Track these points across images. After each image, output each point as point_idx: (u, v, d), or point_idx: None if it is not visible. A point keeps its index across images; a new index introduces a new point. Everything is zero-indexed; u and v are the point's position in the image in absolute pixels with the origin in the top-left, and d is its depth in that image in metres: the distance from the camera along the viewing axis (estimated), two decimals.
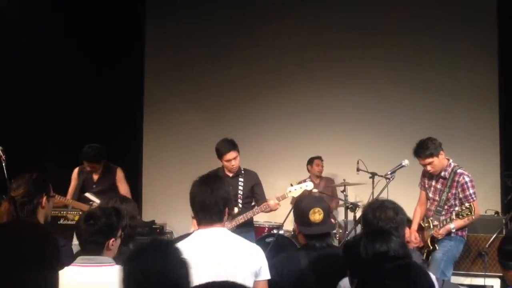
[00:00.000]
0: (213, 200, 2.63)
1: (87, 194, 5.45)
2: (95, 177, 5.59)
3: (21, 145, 4.95)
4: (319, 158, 7.30)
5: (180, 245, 2.51)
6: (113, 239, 2.66)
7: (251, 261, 2.63)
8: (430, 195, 4.89)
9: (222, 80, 8.12)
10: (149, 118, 8.44)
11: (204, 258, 2.52)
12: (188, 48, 8.21)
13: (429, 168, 4.73)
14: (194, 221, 4.86)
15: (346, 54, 7.65)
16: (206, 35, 8.13)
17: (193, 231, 2.76)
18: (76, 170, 5.67)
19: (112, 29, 7.60)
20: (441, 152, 4.70)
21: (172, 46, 8.32)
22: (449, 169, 4.73)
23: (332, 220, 3.08)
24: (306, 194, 4.99)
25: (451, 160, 4.79)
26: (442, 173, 4.76)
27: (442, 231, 4.64)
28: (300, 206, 2.97)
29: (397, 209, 2.74)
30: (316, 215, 2.85)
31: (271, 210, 5.05)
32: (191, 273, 1.92)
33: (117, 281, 2.45)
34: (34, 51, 6.55)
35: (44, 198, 3.28)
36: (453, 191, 4.69)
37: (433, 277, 2.61)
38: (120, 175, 5.61)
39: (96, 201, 5.14)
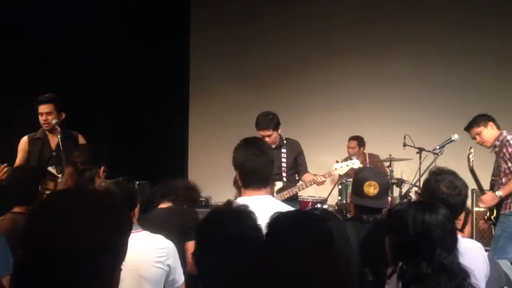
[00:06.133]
0: (262, 164, 2.59)
1: (50, 168, 4.42)
2: (53, 144, 4.63)
3: (70, 119, 5.00)
4: (352, 139, 6.98)
5: None
6: (137, 206, 2.74)
7: None
8: None
9: (266, 55, 8.08)
10: (194, 93, 8.51)
11: None
12: (233, 25, 8.20)
13: (478, 139, 4.70)
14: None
15: (392, 27, 7.46)
16: (251, 11, 8.09)
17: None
18: (25, 140, 4.70)
19: (158, 5, 7.64)
20: (489, 123, 4.65)
21: (217, 22, 8.32)
22: (501, 138, 4.64)
23: (389, 198, 3.00)
24: (367, 166, 4.91)
25: (504, 131, 4.68)
26: (495, 143, 4.69)
27: (485, 199, 4.57)
28: (358, 176, 2.90)
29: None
30: (371, 188, 2.72)
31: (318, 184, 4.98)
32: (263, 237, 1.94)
33: (145, 246, 2.59)
34: (78, 26, 6.57)
35: (102, 169, 3.40)
36: (500, 154, 4.62)
37: (483, 253, 2.55)
38: (83, 141, 4.73)
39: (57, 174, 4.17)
